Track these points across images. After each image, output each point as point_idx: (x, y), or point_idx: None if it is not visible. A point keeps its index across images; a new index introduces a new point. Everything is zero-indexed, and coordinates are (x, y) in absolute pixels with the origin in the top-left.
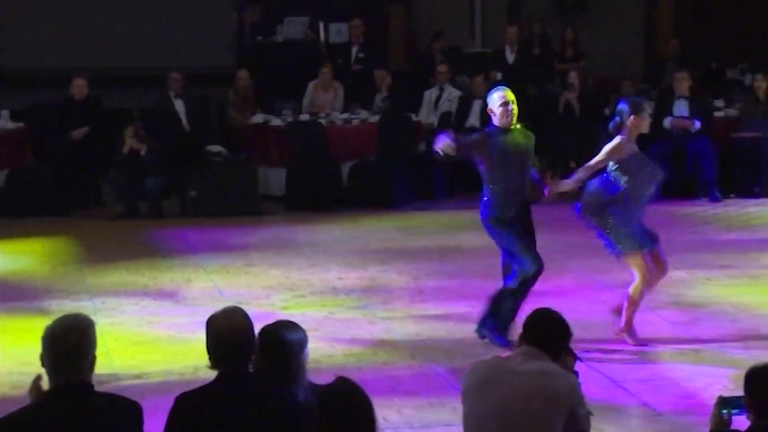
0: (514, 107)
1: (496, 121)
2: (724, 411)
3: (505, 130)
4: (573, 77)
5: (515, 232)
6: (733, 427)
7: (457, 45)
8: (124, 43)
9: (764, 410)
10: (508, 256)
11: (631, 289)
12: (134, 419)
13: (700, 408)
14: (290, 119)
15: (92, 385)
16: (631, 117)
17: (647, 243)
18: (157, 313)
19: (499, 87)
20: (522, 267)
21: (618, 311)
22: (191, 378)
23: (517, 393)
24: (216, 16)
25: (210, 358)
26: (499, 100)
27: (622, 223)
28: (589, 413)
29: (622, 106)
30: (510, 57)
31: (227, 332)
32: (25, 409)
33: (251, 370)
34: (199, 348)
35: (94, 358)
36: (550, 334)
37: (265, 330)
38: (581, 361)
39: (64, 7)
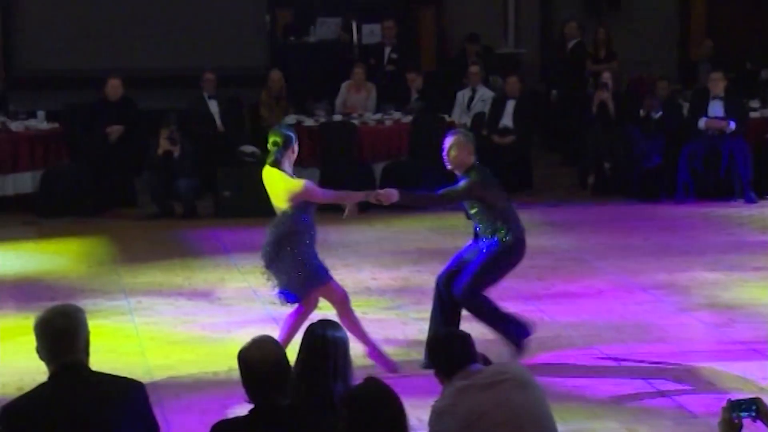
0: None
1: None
2: (735, 414)
3: None
4: (606, 77)
5: None
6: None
7: (489, 45)
8: (158, 44)
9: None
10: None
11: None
12: (137, 396)
13: None
14: (323, 119)
15: (87, 365)
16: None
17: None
18: (192, 313)
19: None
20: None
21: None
22: (225, 378)
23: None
24: (249, 17)
25: (245, 391)
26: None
27: (308, 257)
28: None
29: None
30: None
31: (258, 365)
32: (29, 393)
33: (295, 371)
34: (233, 348)
35: (86, 341)
36: None
37: (310, 329)
38: None
39: (98, 8)
